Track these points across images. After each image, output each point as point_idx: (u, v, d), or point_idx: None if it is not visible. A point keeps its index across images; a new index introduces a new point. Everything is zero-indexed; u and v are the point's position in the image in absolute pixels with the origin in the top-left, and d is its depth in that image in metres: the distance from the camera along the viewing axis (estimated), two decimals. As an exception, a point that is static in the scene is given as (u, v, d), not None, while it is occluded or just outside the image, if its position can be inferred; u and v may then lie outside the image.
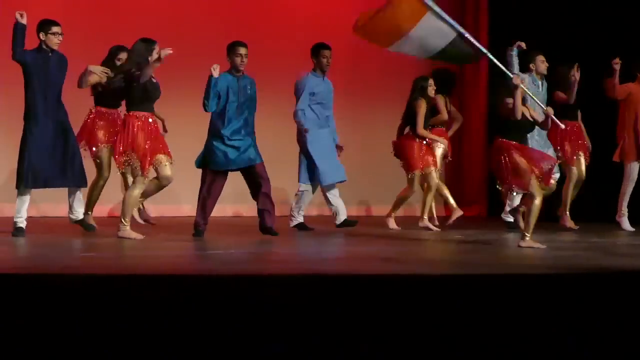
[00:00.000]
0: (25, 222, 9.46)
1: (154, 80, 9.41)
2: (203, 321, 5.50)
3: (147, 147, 9.20)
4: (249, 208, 12.30)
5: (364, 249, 9.58)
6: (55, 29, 9.45)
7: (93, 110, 10.18)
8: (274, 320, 5.55)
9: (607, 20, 13.23)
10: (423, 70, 12.82)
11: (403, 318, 5.72)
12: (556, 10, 13.59)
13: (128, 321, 5.45)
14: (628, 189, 11.67)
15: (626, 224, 11.60)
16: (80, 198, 9.82)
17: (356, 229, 11.13)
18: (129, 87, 9.29)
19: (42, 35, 9.47)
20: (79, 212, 9.81)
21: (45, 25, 9.49)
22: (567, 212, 11.69)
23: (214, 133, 9.77)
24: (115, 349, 5.31)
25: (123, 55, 9.96)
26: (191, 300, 5.71)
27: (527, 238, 9.21)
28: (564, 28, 13.09)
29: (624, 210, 11.66)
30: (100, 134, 10.19)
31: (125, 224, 9.25)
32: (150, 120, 9.33)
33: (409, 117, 11.42)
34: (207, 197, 9.80)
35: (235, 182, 10.41)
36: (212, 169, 9.76)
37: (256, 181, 9.85)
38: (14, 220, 9.49)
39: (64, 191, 9.91)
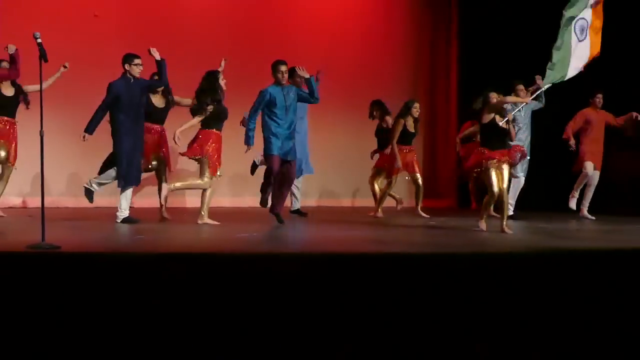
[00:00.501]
0: (127, 212, 10.12)
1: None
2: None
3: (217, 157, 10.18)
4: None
5: (358, 233, 9.74)
6: (137, 61, 9.92)
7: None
8: (290, 289, 5.73)
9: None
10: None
11: (390, 290, 5.95)
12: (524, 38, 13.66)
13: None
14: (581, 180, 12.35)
15: (572, 204, 12.39)
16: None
17: (348, 217, 11.64)
18: (213, 109, 10.08)
19: (126, 66, 9.92)
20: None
21: (129, 58, 9.93)
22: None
23: None
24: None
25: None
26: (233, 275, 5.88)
27: (505, 223, 9.67)
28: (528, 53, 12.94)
29: (576, 193, 12.38)
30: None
31: (204, 213, 10.15)
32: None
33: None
34: None
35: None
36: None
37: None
38: (119, 214, 10.08)
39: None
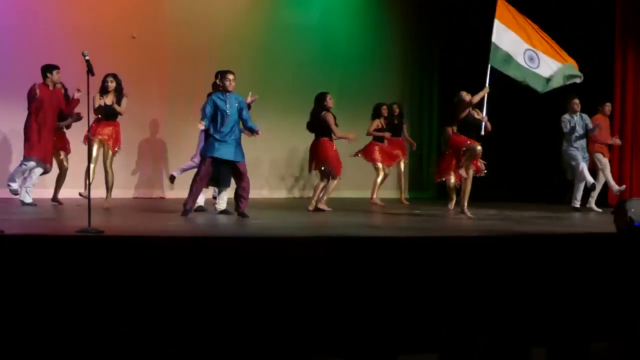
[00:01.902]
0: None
1: None
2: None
3: None
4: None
5: (354, 219, 9.83)
6: (230, 76, 9.27)
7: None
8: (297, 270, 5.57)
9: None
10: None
11: (384, 268, 5.79)
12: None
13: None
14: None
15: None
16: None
17: (340, 207, 11.45)
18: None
19: (218, 80, 9.49)
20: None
21: (222, 74, 9.40)
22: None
23: None
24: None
25: None
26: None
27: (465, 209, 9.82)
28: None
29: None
30: None
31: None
32: None
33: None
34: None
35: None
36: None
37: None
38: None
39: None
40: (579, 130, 11.72)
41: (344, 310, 5.47)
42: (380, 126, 12.41)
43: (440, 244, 6.70)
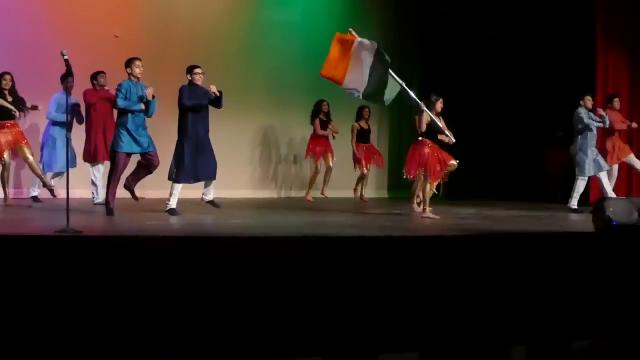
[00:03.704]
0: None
1: None
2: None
3: None
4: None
5: (336, 219, 9.87)
6: (197, 70, 9.54)
7: None
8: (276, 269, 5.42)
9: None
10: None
11: (364, 267, 5.63)
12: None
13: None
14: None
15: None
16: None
17: (321, 207, 11.55)
18: None
19: (188, 76, 9.55)
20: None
21: (190, 68, 9.60)
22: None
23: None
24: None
25: None
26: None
27: (427, 210, 9.77)
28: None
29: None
30: None
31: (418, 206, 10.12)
32: None
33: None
34: None
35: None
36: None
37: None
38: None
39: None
40: (594, 127, 11.36)
41: (324, 309, 5.37)
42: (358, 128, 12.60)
43: (419, 244, 6.45)
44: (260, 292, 5.27)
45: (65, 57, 7.48)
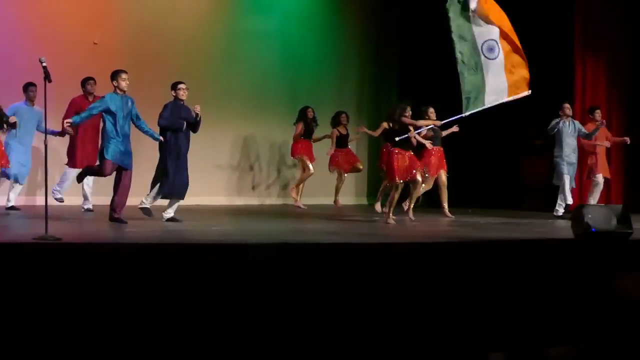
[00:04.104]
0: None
1: None
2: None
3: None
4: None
5: (315, 226, 9.76)
6: (181, 85, 9.46)
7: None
8: (258, 274, 5.62)
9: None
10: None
11: (341, 274, 5.86)
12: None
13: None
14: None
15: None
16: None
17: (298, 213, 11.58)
18: None
19: (173, 92, 9.46)
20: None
21: (174, 85, 9.51)
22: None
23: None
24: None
25: None
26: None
27: (390, 218, 9.74)
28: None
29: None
30: None
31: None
32: None
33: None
34: None
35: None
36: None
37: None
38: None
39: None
40: (570, 135, 11.45)
41: (303, 314, 5.47)
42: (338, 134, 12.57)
43: (398, 250, 6.81)
44: (240, 299, 5.37)
45: (44, 64, 7.43)
